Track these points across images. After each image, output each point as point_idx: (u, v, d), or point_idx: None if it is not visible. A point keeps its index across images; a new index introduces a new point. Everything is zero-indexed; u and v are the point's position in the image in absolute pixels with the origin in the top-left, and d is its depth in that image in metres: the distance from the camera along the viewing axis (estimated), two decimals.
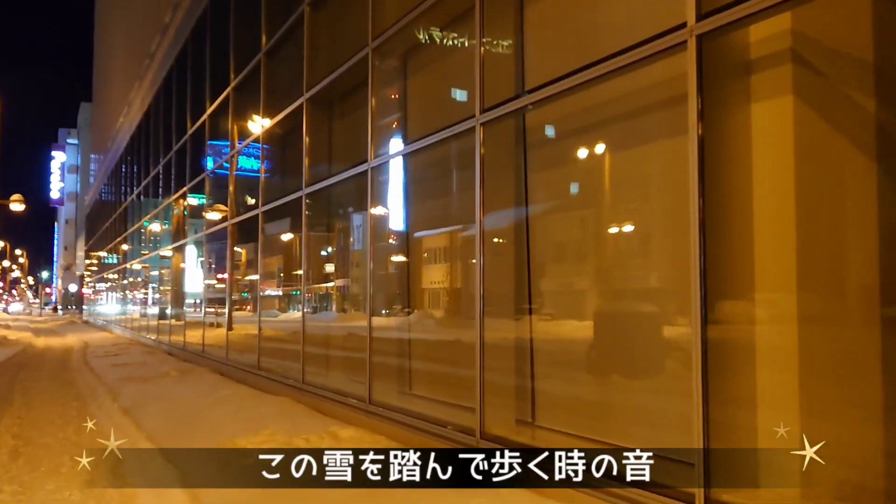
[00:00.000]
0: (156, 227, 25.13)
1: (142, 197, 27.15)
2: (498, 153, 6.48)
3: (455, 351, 7.96)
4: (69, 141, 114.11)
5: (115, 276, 37.18)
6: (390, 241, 9.48)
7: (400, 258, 9.38)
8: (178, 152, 20.40)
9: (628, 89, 5.36)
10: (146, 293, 26.61)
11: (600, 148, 6.14)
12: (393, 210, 9.18)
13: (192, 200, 19.54)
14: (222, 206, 17.22)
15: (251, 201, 14.23)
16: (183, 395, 10.90)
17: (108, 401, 10.82)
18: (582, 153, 6.39)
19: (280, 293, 15.89)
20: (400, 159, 8.38)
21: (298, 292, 14.50)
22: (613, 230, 6.11)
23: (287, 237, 13.37)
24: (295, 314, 14.50)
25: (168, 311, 21.80)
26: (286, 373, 11.18)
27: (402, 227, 8.88)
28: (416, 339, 8.56)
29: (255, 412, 8.86)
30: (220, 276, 17.92)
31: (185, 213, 19.41)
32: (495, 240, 6.74)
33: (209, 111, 16.57)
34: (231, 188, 15.01)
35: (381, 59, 8.44)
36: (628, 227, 5.92)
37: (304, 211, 10.49)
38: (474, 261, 6.43)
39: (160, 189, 23.27)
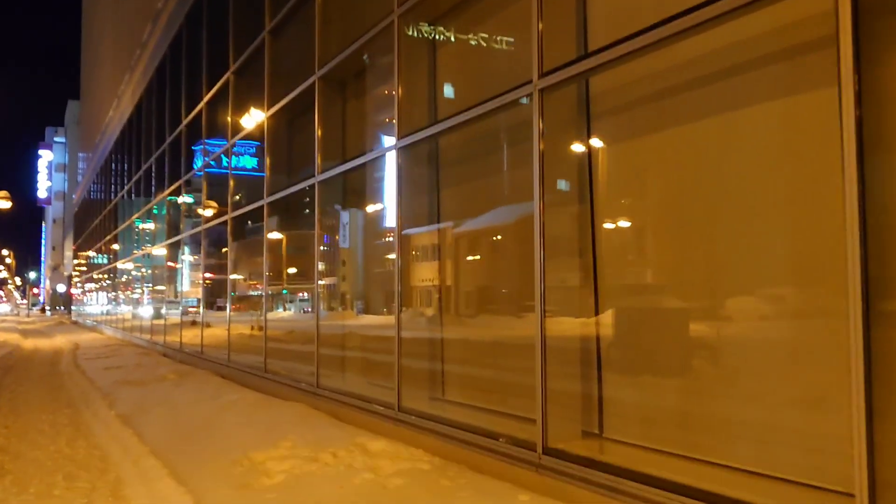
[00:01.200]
0: (147, 224, 24.17)
1: (132, 194, 26.17)
2: (554, 126, 5.62)
3: (499, 353, 7.12)
4: (56, 139, 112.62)
5: (105, 275, 36.15)
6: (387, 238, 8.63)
7: (422, 252, 8.52)
8: (172, 144, 19.46)
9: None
10: (140, 292, 25.61)
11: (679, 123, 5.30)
12: (416, 200, 8.30)
13: (187, 198, 18.65)
14: (214, 203, 16.49)
15: (235, 198, 13.39)
16: (185, 400, 10.01)
17: (103, 407, 9.92)
18: (654, 129, 5.55)
19: (269, 292, 14.93)
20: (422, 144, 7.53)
21: (286, 291, 14.36)
22: (697, 214, 5.26)
23: (274, 236, 12.82)
24: (281, 313, 13.95)
25: (163, 311, 20.84)
26: (296, 376, 10.30)
27: (431, 219, 8.01)
28: (449, 339, 7.69)
29: (268, 420, 7.99)
30: (206, 274, 17.54)
31: (181, 208, 18.44)
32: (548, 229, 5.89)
33: (206, 98, 15.65)
34: (231, 183, 14.11)
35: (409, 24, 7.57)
36: (723, 214, 5.06)
37: (317, 197, 9.61)
38: (526, 252, 5.57)
39: (152, 185, 22.32)
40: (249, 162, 14.22)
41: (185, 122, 17.76)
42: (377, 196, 9.94)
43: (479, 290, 7.55)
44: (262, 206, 12.01)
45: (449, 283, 7.82)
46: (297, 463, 6.10)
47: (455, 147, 7.65)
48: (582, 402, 5.67)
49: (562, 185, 5.68)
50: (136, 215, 25.30)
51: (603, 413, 5.62)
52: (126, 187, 27.36)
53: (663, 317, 5.44)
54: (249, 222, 13.84)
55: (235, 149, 14.29)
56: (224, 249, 15.27)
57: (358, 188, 10.50)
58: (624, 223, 5.79)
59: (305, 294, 13.48)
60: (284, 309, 14.23)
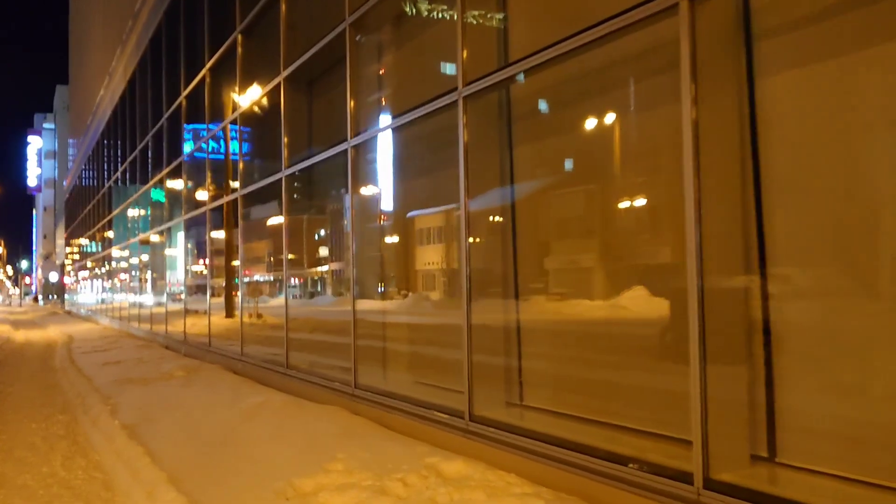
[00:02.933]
0: (144, 207, 22.68)
1: (126, 176, 24.65)
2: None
3: (601, 344, 5.74)
4: (46, 126, 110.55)
5: (99, 263, 34.64)
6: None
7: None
8: (171, 119, 17.97)
9: None
10: (141, 279, 24.11)
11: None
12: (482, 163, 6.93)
13: (176, 184, 17.19)
14: (212, 187, 15.23)
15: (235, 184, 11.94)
16: (199, 404, 8.62)
17: (104, 413, 8.52)
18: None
19: (271, 278, 14.02)
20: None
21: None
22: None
23: (274, 221, 12.18)
24: (281, 299, 12.64)
25: (164, 300, 19.41)
26: (325, 372, 8.93)
27: (502, 181, 6.58)
28: (530, 328, 6.28)
29: (304, 431, 6.62)
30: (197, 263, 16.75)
31: (187, 186, 16.96)
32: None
33: (209, 64, 14.17)
34: (240, 164, 12.64)
35: None
36: None
37: (351, 168, 8.20)
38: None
39: (149, 165, 20.82)
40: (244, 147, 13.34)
41: (184, 93, 16.27)
42: (372, 178, 9.02)
43: (567, 269, 6.16)
44: (269, 186, 10.66)
45: (527, 259, 6.42)
46: (362, 497, 4.72)
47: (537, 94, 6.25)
48: (743, 413, 4.28)
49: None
50: (132, 198, 23.78)
51: (775, 428, 4.24)
52: (120, 168, 25.83)
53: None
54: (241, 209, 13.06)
55: (230, 134, 13.58)
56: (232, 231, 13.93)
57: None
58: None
59: (295, 280, 13.10)
60: (260, 294, 13.48)
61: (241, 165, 12.61)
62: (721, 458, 3.98)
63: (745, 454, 4.17)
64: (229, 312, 15.20)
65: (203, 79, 14.59)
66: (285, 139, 10.19)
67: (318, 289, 12.60)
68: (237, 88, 12.38)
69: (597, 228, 5.98)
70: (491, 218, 6.58)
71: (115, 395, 9.93)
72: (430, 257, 8.80)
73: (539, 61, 5.27)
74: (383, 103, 8.44)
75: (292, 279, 13.61)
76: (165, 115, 18.27)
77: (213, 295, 16.13)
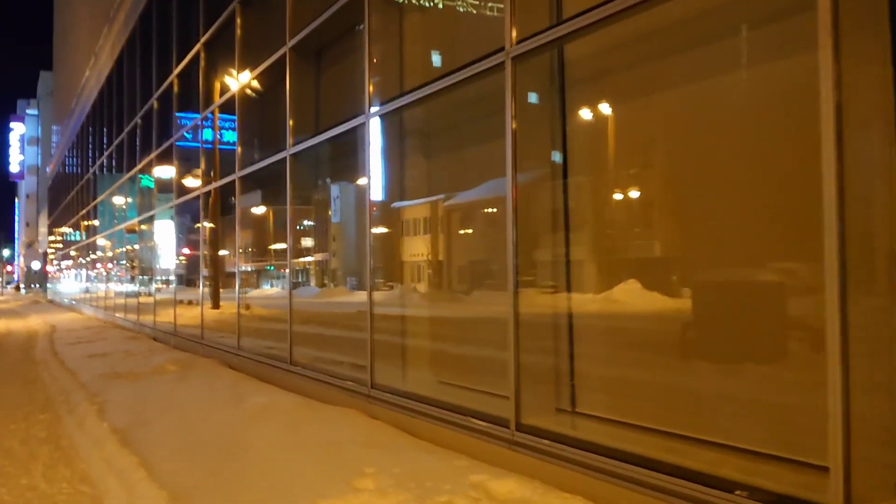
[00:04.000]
0: (132, 194, 21.73)
1: (113, 160, 23.66)
2: None
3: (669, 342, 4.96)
4: (29, 112, 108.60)
5: (83, 251, 33.59)
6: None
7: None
8: (162, 99, 17.06)
9: None
10: (127, 267, 23.15)
11: None
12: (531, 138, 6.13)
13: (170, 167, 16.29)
14: (198, 172, 14.48)
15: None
16: (197, 403, 7.81)
17: (90, 414, 7.68)
18: None
19: (251, 269, 13.92)
20: None
21: (272, 267, 13.48)
22: None
23: (259, 210, 12.53)
24: (268, 290, 12.79)
25: (152, 289, 18.51)
26: (336, 370, 8.14)
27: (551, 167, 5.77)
28: (584, 323, 5.49)
29: (322, 438, 5.82)
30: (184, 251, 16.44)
31: (179, 169, 16.05)
32: None
33: (203, 39, 13.28)
34: (238, 149, 11.77)
35: None
36: None
37: (370, 142, 7.37)
38: None
39: (136, 149, 19.87)
40: (229, 136, 13.09)
41: (176, 70, 15.36)
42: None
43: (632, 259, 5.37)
44: (288, 152, 9.79)
45: (582, 248, 5.62)
46: None
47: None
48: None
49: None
50: (118, 183, 22.81)
51: None
52: (106, 153, 24.83)
53: None
54: (232, 198, 12.62)
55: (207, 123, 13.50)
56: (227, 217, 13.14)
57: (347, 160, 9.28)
58: None
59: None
60: (271, 286, 13.17)
61: (238, 150, 11.70)
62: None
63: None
64: (216, 303, 14.53)
65: (197, 55, 13.69)
66: (290, 121, 9.35)
67: (302, 279, 12.03)
68: (235, 64, 11.49)
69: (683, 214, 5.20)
70: (534, 199, 5.78)
71: (102, 391, 9.08)
72: (416, 248, 8.54)
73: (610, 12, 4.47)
74: (406, 71, 7.60)
75: (277, 270, 13.30)
76: (155, 95, 17.35)
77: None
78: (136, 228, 20.93)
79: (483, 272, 7.25)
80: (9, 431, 7.46)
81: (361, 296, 9.01)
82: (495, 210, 6.75)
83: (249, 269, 14.00)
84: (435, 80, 6.13)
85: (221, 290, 14.39)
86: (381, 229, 9.21)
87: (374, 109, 7.30)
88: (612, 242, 5.53)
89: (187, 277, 17.16)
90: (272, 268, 13.79)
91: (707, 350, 4.79)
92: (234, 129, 12.78)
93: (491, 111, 5.81)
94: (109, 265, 26.73)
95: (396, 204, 8.11)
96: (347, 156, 9.78)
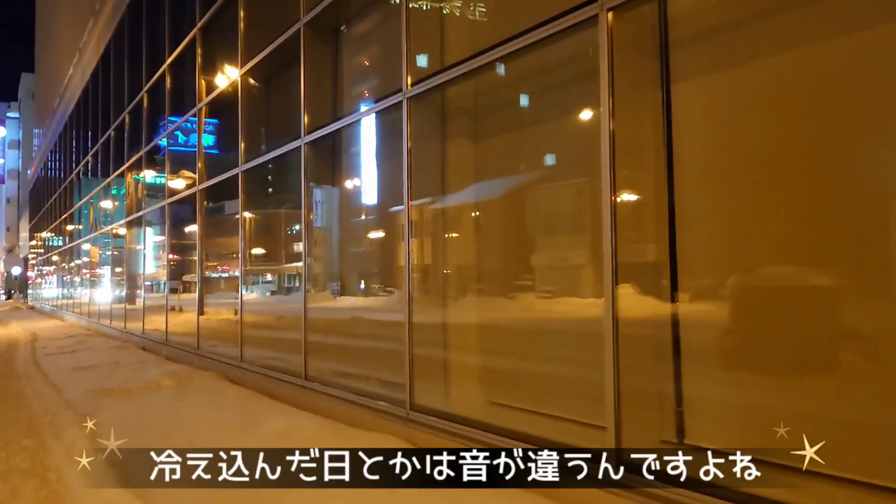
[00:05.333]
0: (117, 196, 20.61)
1: (98, 160, 22.50)
2: None
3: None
4: (9, 115, 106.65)
5: (65, 256, 32.34)
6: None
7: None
8: (152, 92, 15.99)
9: None
10: (112, 272, 21.99)
11: None
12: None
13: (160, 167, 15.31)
14: (188, 173, 13.72)
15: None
16: (203, 426, 6.78)
17: (81, 439, 6.64)
18: None
19: (237, 274, 12.48)
20: None
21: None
22: None
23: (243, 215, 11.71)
24: (249, 295, 11.72)
25: (141, 294, 17.41)
26: (363, 388, 7.14)
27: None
28: (694, 336, 4.52)
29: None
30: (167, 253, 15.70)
31: (169, 170, 15.00)
32: None
33: (200, 24, 12.26)
34: (241, 141, 10.72)
35: None
36: None
37: (408, 124, 6.38)
38: None
39: (124, 147, 18.78)
40: (208, 140, 12.95)
41: (168, 60, 14.31)
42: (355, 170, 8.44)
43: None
44: (303, 141, 8.81)
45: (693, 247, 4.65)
46: None
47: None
48: None
49: None
50: (104, 183, 21.66)
51: None
52: (91, 152, 23.65)
53: None
54: (210, 202, 12.85)
55: (193, 126, 13.12)
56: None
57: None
58: None
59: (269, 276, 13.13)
60: (248, 291, 12.29)
61: (242, 145, 10.66)
62: None
63: None
64: (201, 309, 13.60)
65: (193, 41, 12.66)
66: (305, 103, 8.37)
67: (294, 284, 11.62)
68: (240, 46, 10.47)
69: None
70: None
71: (92, 411, 8.01)
72: (378, 256, 8.35)
73: None
74: (448, 42, 6.62)
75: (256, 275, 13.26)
76: (145, 88, 16.28)
77: (184, 291, 14.57)
78: (122, 231, 19.85)
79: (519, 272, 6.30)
80: None
81: (346, 301, 8.63)
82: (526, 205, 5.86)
83: (236, 273, 13.44)
84: (502, 44, 5.14)
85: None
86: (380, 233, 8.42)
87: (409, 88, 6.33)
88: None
89: (169, 283, 16.46)
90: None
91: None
92: (209, 133, 12.73)
93: (566, 80, 4.86)
94: (93, 270, 25.53)
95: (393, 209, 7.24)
96: (329, 157, 9.01)
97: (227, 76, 11.04)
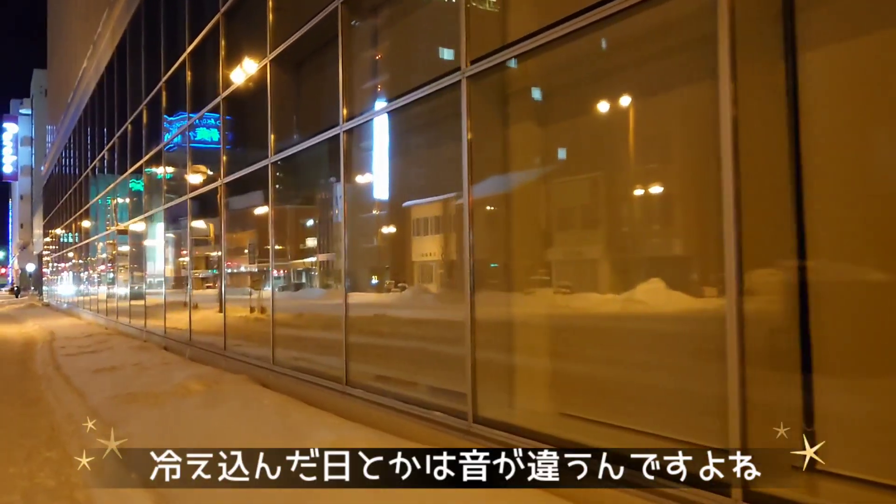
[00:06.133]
0: (136, 190, 20.09)
1: (115, 154, 22.00)
2: None
3: None
4: (22, 111, 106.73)
5: (81, 253, 31.93)
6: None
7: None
8: (170, 81, 15.45)
9: None
10: (130, 269, 21.50)
11: None
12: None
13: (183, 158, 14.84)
14: (203, 167, 13.86)
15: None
16: (242, 438, 6.21)
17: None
18: None
19: (255, 269, 12.78)
20: None
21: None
22: None
23: (260, 211, 11.76)
24: (267, 292, 11.35)
25: (163, 291, 16.90)
26: (412, 395, 6.57)
27: None
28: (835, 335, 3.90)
29: None
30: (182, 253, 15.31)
31: (190, 165, 14.50)
32: None
33: (223, 8, 11.69)
34: (271, 124, 10.12)
35: None
36: None
37: (466, 105, 5.78)
38: None
39: (142, 140, 18.26)
40: (207, 134, 13.26)
41: (189, 48, 13.75)
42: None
43: None
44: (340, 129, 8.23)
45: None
46: None
47: None
48: None
49: None
50: (121, 178, 21.16)
51: None
52: (107, 146, 23.16)
53: None
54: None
55: (216, 122, 12.96)
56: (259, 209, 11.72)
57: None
58: None
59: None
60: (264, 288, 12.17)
61: (271, 136, 10.07)
62: None
63: None
64: (221, 307, 13.28)
65: (216, 27, 12.09)
66: (342, 92, 7.79)
67: (303, 280, 11.70)
68: (268, 30, 9.87)
69: None
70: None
71: (118, 420, 7.49)
72: (426, 248, 7.93)
73: None
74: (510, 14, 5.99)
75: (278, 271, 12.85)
76: (164, 78, 15.73)
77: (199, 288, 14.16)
78: (131, 229, 19.37)
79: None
80: (7, 477, 5.88)
81: (359, 297, 8.09)
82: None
83: (255, 270, 13.06)
84: (586, 11, 4.53)
85: (212, 292, 13.89)
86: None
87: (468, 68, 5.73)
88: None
89: (180, 280, 16.31)
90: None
91: None
92: (207, 128, 12.68)
93: (668, 49, 4.25)
94: (110, 266, 25.06)
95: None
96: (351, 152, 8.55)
97: (254, 62, 10.45)
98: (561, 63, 5.45)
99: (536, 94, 5.96)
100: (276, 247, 12.61)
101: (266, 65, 9.85)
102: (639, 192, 5.25)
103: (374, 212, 8.81)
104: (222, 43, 11.80)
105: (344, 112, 7.77)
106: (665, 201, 4.99)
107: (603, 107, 5.39)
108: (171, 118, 15.61)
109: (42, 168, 59.68)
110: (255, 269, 13.29)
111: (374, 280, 8.95)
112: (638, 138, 5.00)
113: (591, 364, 5.45)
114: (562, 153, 5.84)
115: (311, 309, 10.16)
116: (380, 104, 7.57)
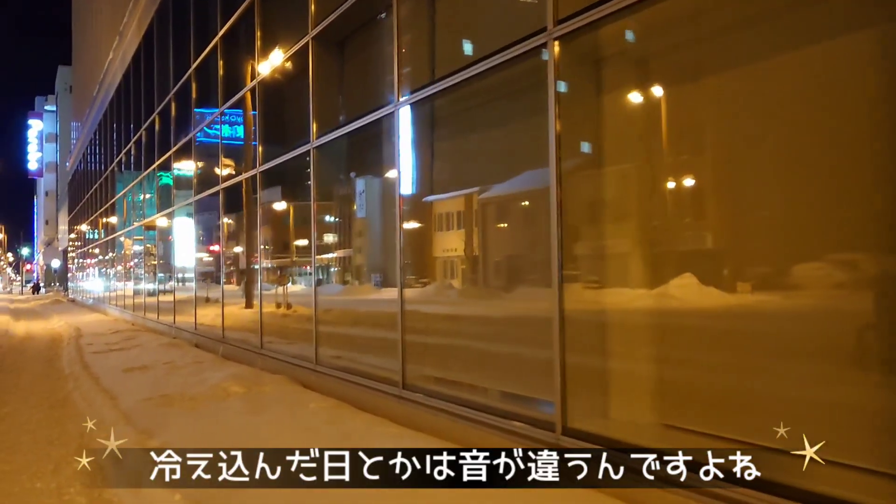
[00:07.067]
0: (161, 185, 19.53)
1: (142, 146, 21.45)
2: None
3: None
4: (47, 108, 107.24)
5: (107, 248, 31.50)
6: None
7: None
8: (200, 70, 14.83)
9: None
10: (165, 264, 20.94)
11: None
12: None
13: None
14: (230, 161, 13.62)
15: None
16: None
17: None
18: None
19: (272, 265, 13.14)
20: None
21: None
22: None
23: (279, 206, 12.21)
24: (292, 288, 12.18)
25: (193, 287, 16.30)
26: (479, 401, 5.85)
27: None
28: None
29: None
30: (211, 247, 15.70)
31: (222, 159, 13.94)
32: None
33: None
34: (312, 101, 9.42)
35: None
36: None
37: (555, 71, 5.04)
38: None
39: (170, 135, 17.68)
40: (237, 131, 13.18)
41: (221, 32, 13.10)
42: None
43: None
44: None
45: None
46: None
47: None
48: None
49: None
50: (147, 170, 20.60)
51: None
52: (133, 139, 22.63)
53: None
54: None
55: (223, 117, 13.39)
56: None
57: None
58: None
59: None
60: (293, 283, 12.62)
61: (313, 120, 9.34)
62: None
63: None
64: (249, 303, 13.01)
65: (251, 7, 11.41)
66: (397, 65, 7.05)
67: (323, 276, 11.31)
68: (310, 5, 9.16)
69: None
70: None
71: (154, 427, 6.82)
72: (449, 243, 7.72)
73: None
74: None
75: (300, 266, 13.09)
76: (194, 66, 15.10)
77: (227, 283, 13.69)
78: (158, 224, 18.83)
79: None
80: (34, 493, 5.25)
81: (391, 293, 7.67)
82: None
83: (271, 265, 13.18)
84: None
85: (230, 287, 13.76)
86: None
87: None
88: None
89: (214, 274, 15.81)
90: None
91: None
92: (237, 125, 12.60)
93: None
94: (136, 261, 24.56)
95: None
96: (374, 146, 8.26)
97: (293, 42, 9.75)
98: (677, 15, 4.68)
99: (639, 57, 5.20)
100: (297, 244, 12.31)
101: (308, 42, 9.15)
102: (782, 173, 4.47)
103: (432, 199, 8.09)
104: (257, 22, 11.12)
105: (398, 87, 7.05)
106: (819, 183, 4.20)
107: (722, 67, 4.62)
108: (201, 111, 15.06)
109: (67, 164, 59.57)
110: (285, 262, 13.00)
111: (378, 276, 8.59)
112: (777, 108, 4.24)
113: (703, 370, 4.70)
114: (673, 126, 5.07)
115: (357, 305, 9.50)
116: (441, 78, 6.82)
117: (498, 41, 5.77)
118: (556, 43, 4.98)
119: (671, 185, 5.15)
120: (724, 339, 4.66)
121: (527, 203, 6.61)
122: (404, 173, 7.19)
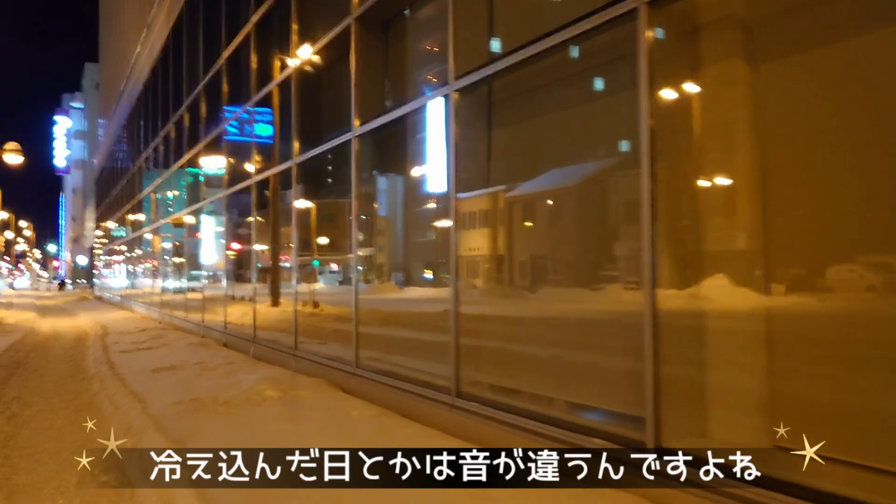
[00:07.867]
0: (189, 181, 19.09)
1: (171, 140, 21.03)
2: None
3: None
4: (74, 105, 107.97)
5: (134, 245, 31.22)
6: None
7: None
8: (231, 59, 14.33)
9: None
10: (194, 261, 20.50)
11: None
12: None
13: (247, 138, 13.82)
14: (258, 157, 13.37)
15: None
16: None
17: (184, 493, 4.85)
18: None
19: (298, 263, 12.13)
20: None
21: (317, 262, 13.52)
22: None
23: (302, 205, 11.74)
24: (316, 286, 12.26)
25: (224, 284, 15.81)
26: (540, 411, 5.25)
27: None
28: None
29: None
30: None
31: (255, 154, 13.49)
32: None
33: None
34: (355, 86, 8.84)
35: None
36: None
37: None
38: None
39: (199, 128, 17.23)
40: (265, 130, 12.89)
41: (254, 18, 12.57)
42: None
43: None
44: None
45: None
46: None
47: None
48: None
49: None
50: (176, 165, 20.16)
51: None
52: (163, 132, 22.22)
53: None
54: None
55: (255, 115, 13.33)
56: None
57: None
58: None
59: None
60: (316, 281, 12.97)
61: (354, 106, 8.76)
62: None
63: None
64: (276, 301, 12.79)
65: None
66: (452, 43, 6.45)
67: (391, 274, 11.54)
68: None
69: None
70: None
71: (186, 434, 6.28)
72: (474, 242, 7.51)
73: None
74: None
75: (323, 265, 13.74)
76: (224, 57, 14.60)
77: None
78: (186, 220, 18.38)
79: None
80: None
81: (413, 292, 7.77)
82: None
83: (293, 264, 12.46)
84: None
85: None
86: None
87: None
88: None
89: (237, 273, 15.97)
90: (317, 262, 13.67)
91: None
92: (267, 123, 12.40)
93: None
94: (164, 259, 24.17)
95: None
96: (399, 144, 8.03)
97: (333, 25, 9.19)
98: None
99: (749, 23, 4.56)
100: (320, 241, 11.94)
101: (350, 24, 8.57)
102: None
103: (487, 191, 7.48)
104: (294, 5, 10.56)
105: (453, 68, 6.44)
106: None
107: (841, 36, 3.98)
108: (231, 108, 14.60)
109: (94, 161, 59.63)
110: (315, 260, 12.73)
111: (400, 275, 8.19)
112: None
113: (821, 382, 4.06)
114: (791, 104, 4.42)
115: (399, 305, 8.94)
116: (503, 55, 6.20)
117: (566, 14, 5.15)
118: (646, 9, 4.36)
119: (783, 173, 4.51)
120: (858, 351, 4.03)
121: (607, 193, 5.98)
122: (457, 164, 6.58)
